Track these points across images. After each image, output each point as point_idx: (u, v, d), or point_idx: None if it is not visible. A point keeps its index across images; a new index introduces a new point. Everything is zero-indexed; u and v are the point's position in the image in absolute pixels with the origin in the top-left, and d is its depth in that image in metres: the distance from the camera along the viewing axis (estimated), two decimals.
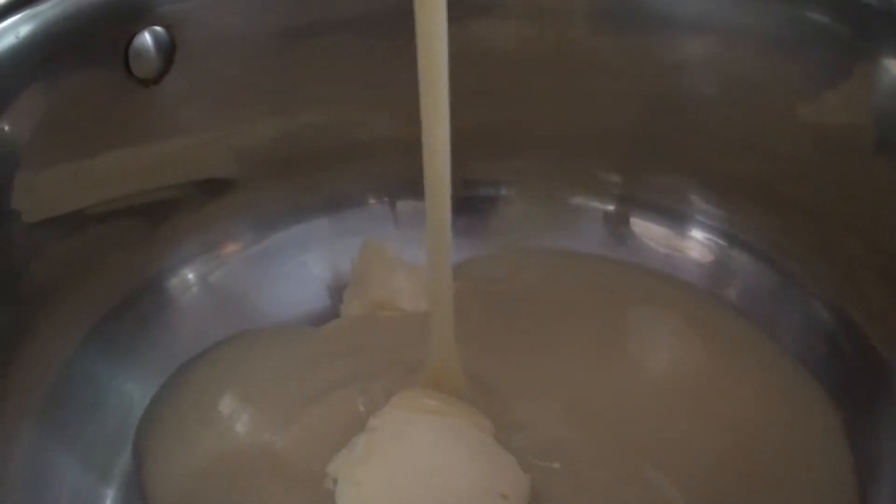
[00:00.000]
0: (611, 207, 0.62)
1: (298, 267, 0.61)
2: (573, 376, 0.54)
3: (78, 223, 0.53)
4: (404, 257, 0.58)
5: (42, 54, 0.49)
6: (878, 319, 0.52)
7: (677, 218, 0.60)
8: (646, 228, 0.61)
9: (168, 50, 0.53)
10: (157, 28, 0.53)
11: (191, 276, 0.59)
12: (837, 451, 0.51)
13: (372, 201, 0.62)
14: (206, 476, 0.50)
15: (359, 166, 0.61)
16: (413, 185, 0.61)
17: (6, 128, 0.49)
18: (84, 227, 0.53)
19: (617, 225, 0.62)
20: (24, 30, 0.49)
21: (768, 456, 0.50)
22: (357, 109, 0.60)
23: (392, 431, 0.48)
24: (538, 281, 0.60)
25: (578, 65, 0.58)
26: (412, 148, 0.60)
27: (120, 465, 0.52)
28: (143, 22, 0.52)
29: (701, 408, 0.53)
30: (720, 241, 0.60)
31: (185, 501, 0.50)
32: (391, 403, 0.49)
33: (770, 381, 0.54)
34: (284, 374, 0.55)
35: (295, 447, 0.51)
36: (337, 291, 0.59)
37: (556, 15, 0.57)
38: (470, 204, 0.62)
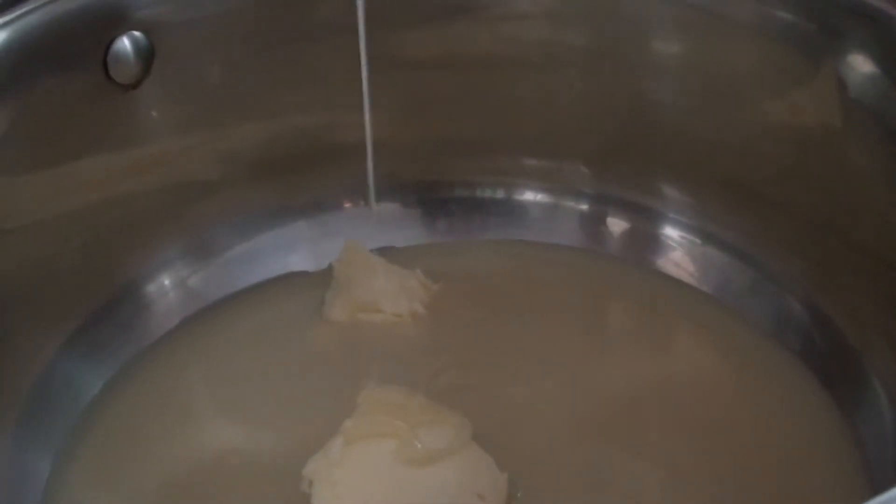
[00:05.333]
0: (587, 207, 0.62)
1: (279, 270, 0.61)
2: (556, 372, 0.54)
3: (56, 229, 0.53)
4: (384, 259, 0.59)
5: (19, 60, 0.49)
6: (853, 315, 0.53)
7: (653, 216, 0.61)
8: (622, 227, 0.61)
9: (147, 54, 0.53)
10: (136, 33, 0.52)
11: (171, 280, 0.59)
12: (841, 443, 0.51)
13: (352, 204, 0.62)
14: (168, 485, 0.50)
15: (339, 169, 0.61)
16: (393, 187, 0.62)
17: None
18: (63, 232, 0.53)
19: (593, 224, 0.62)
20: (1, 36, 0.49)
21: (767, 449, 0.50)
22: (337, 112, 0.60)
23: (367, 433, 0.48)
24: (519, 274, 0.60)
25: (554, 66, 0.58)
26: (391, 150, 0.60)
27: None
28: (122, 27, 0.52)
29: (690, 402, 0.53)
30: (695, 239, 0.60)
31: None
32: (366, 404, 0.49)
33: (758, 369, 0.54)
34: (261, 377, 0.55)
35: (270, 450, 0.51)
36: (319, 294, 0.59)
37: (530, 16, 0.57)
38: (447, 204, 0.62)
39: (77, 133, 0.52)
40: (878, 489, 0.45)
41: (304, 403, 0.53)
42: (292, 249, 0.61)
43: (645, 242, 0.61)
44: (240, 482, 0.50)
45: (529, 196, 0.63)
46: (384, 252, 0.60)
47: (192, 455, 0.51)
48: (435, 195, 0.60)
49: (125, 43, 0.52)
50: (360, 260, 0.58)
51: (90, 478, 0.51)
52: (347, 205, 0.63)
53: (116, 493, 0.50)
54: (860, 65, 0.50)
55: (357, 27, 0.52)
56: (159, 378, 0.55)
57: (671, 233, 0.60)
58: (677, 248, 0.60)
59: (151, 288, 0.58)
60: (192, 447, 0.52)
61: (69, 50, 0.51)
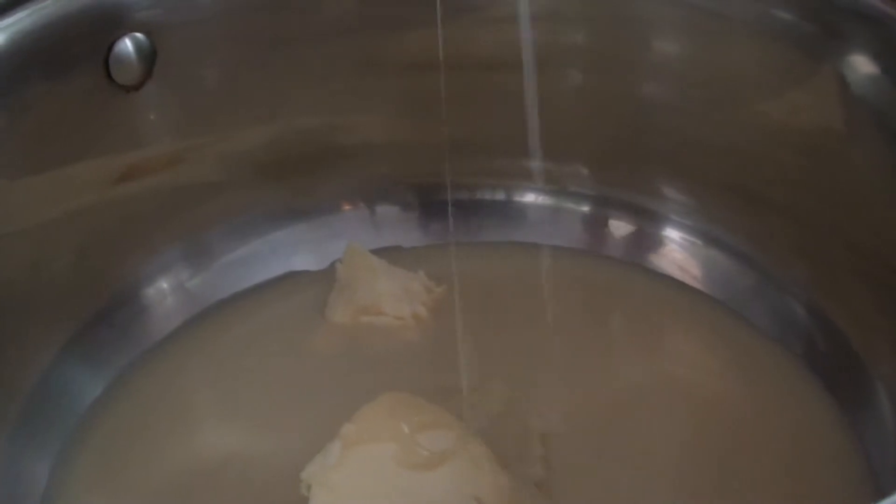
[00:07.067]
0: (590, 209, 0.62)
1: (281, 272, 0.60)
2: (559, 375, 0.54)
3: (56, 231, 0.53)
4: (387, 261, 0.58)
5: (19, 62, 0.49)
6: (857, 320, 0.52)
7: (654, 218, 0.60)
8: (624, 229, 0.61)
9: (149, 56, 0.53)
10: (138, 34, 0.52)
11: (172, 283, 0.58)
12: (844, 447, 0.50)
13: (353, 206, 0.62)
14: (167, 489, 0.50)
15: (340, 171, 0.61)
16: (393, 190, 0.62)
17: None
18: (62, 235, 0.53)
19: (595, 226, 0.62)
20: (0, 39, 0.49)
21: (771, 452, 0.50)
22: (340, 115, 0.60)
23: (366, 437, 0.47)
24: (522, 277, 0.60)
25: (554, 67, 0.58)
26: (393, 153, 0.60)
27: None
28: (124, 28, 0.52)
29: (693, 405, 0.53)
30: (697, 241, 0.60)
31: None
32: (365, 409, 0.49)
33: (761, 371, 0.54)
34: (262, 380, 0.55)
35: (270, 453, 0.51)
36: (321, 294, 0.59)
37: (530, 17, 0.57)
38: (446, 206, 0.61)
39: (78, 135, 0.52)
40: (881, 492, 0.46)
41: (305, 407, 0.53)
42: (293, 252, 0.61)
43: (647, 244, 0.61)
44: (238, 486, 0.49)
45: (530, 198, 0.63)
46: (389, 252, 0.59)
47: (191, 459, 0.51)
48: (434, 197, 0.60)
49: (127, 44, 0.52)
50: (362, 262, 0.58)
51: (88, 483, 0.50)
52: (346, 207, 0.62)
53: (115, 497, 0.50)
54: (861, 65, 0.50)
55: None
56: (159, 381, 0.55)
57: (673, 235, 0.60)
58: (679, 250, 0.60)
59: (151, 291, 0.58)
60: (191, 451, 0.52)
61: (70, 52, 0.51)
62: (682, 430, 0.52)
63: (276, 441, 0.51)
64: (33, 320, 0.52)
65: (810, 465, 0.50)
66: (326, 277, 0.59)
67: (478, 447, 0.48)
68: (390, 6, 0.56)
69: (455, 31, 0.55)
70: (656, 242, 0.60)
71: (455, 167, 0.57)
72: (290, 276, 0.61)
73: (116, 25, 0.52)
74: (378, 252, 0.59)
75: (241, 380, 0.55)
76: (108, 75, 0.52)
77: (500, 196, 0.63)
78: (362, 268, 0.58)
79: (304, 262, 0.61)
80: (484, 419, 0.51)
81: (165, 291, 0.58)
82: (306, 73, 0.58)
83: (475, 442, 0.48)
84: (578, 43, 0.57)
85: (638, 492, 0.49)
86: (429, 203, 0.61)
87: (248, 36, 0.56)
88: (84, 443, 0.52)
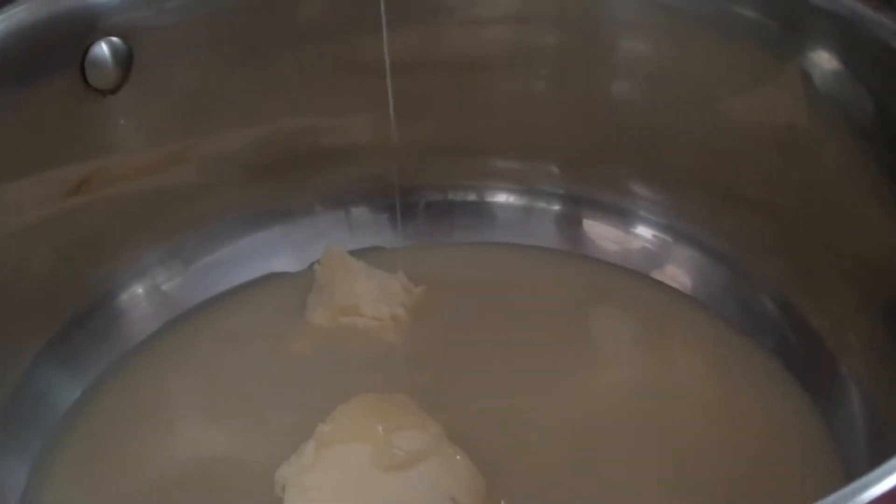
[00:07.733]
0: (562, 208, 0.62)
1: (260, 274, 0.61)
2: (537, 376, 0.54)
3: (35, 235, 0.53)
4: (366, 262, 0.58)
5: None
6: (829, 316, 0.52)
7: (626, 216, 0.61)
8: (598, 228, 0.61)
9: (125, 60, 0.53)
10: (114, 38, 0.52)
11: (150, 286, 0.58)
12: (817, 440, 0.51)
13: (331, 208, 0.62)
14: (145, 492, 0.50)
15: (320, 173, 0.61)
16: (372, 191, 0.62)
17: None
18: (41, 239, 0.53)
19: (570, 225, 0.62)
20: None
21: (743, 446, 0.50)
22: (317, 117, 0.60)
23: (342, 437, 0.48)
24: (501, 277, 0.60)
25: (523, 67, 0.58)
26: (374, 154, 0.60)
27: None
28: (99, 32, 0.52)
29: (667, 402, 0.53)
30: (668, 238, 0.60)
31: None
32: (341, 410, 0.49)
33: (734, 367, 0.54)
34: (240, 382, 0.55)
35: (247, 455, 0.51)
36: (300, 298, 0.59)
37: (499, 19, 0.57)
38: (418, 207, 0.62)
39: (54, 140, 0.52)
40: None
41: (283, 408, 0.53)
42: (272, 254, 0.61)
43: (620, 243, 0.61)
44: (214, 487, 0.50)
45: (502, 198, 0.63)
46: (368, 253, 0.59)
47: (168, 461, 0.51)
48: (406, 199, 0.60)
49: (103, 48, 0.52)
50: (340, 263, 0.58)
51: (67, 487, 0.51)
52: (325, 208, 0.62)
53: (93, 499, 0.50)
54: (824, 61, 0.50)
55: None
56: (138, 384, 0.55)
57: (646, 233, 0.60)
58: (652, 248, 0.60)
59: (129, 294, 0.58)
60: (168, 453, 0.52)
61: (46, 56, 0.51)
62: (654, 425, 0.52)
63: (253, 442, 0.51)
64: (12, 324, 0.52)
65: (782, 458, 0.50)
66: (306, 279, 0.59)
67: (453, 447, 0.48)
68: (370, 7, 0.56)
69: (431, 32, 0.56)
70: (629, 241, 0.61)
71: (426, 168, 0.58)
72: (270, 278, 0.61)
73: (91, 30, 0.52)
74: (357, 253, 0.59)
75: (219, 381, 0.55)
76: (84, 80, 0.52)
77: (471, 197, 0.63)
78: (341, 269, 0.58)
79: (283, 263, 0.61)
80: (460, 420, 0.51)
81: (144, 294, 0.58)
82: (285, 75, 0.58)
83: (450, 442, 0.48)
84: (549, 43, 0.57)
85: (613, 490, 0.49)
86: (408, 204, 0.61)
87: (225, 39, 0.56)
88: (63, 446, 0.52)
